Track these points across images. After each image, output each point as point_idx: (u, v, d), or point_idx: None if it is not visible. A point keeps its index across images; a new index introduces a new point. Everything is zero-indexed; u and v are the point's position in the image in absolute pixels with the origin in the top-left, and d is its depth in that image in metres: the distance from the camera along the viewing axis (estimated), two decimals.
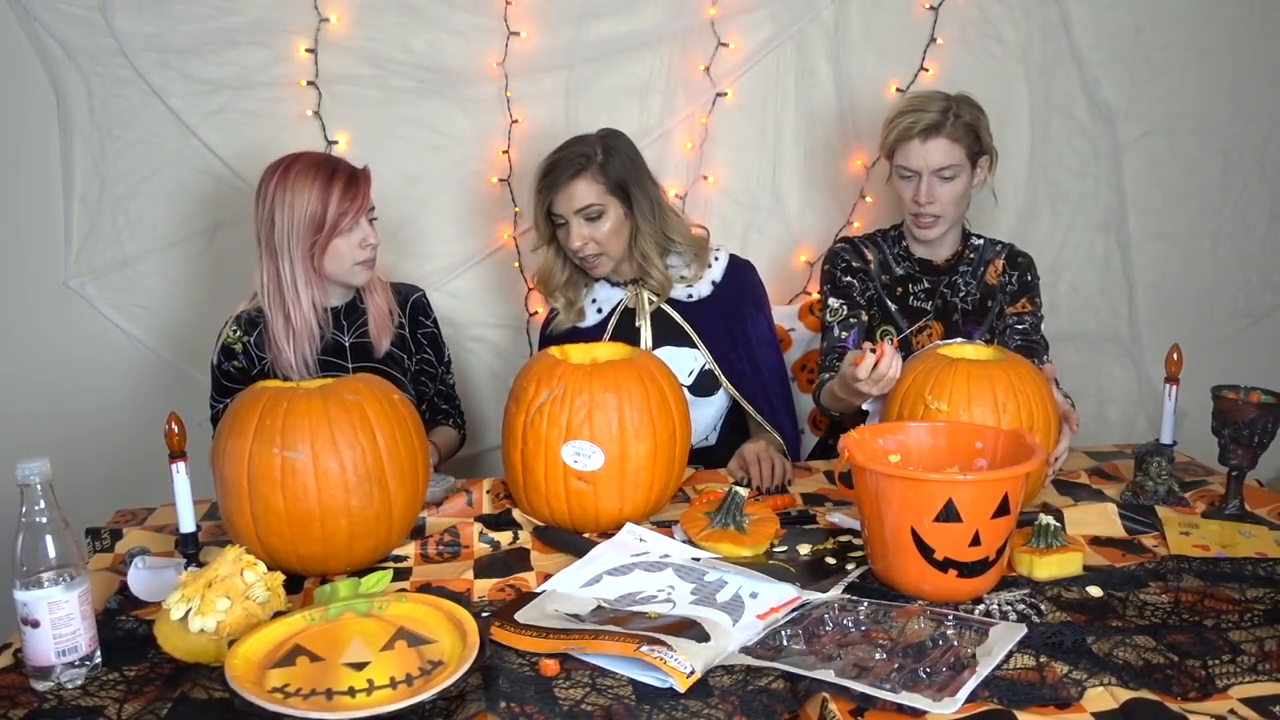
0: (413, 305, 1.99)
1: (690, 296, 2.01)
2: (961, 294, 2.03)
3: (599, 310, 2.04)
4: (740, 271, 2.05)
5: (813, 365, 2.39)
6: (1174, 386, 1.65)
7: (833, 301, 2.07)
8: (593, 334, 2.01)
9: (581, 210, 1.89)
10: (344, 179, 1.80)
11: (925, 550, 1.25)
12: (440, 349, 2.04)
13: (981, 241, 2.05)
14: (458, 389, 2.09)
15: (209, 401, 1.92)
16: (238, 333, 1.90)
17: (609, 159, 1.90)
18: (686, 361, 1.98)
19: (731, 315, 2.01)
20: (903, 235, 2.06)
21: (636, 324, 2.00)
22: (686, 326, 1.99)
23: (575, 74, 2.29)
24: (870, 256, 2.06)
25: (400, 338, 1.96)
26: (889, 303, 2.05)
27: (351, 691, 1.04)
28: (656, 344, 1.99)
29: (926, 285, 2.04)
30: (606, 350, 1.70)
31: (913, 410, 1.54)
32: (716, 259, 2.04)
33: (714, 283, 2.02)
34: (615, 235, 1.92)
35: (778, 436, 1.98)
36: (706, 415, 2.03)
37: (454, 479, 1.72)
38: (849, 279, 2.05)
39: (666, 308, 2.01)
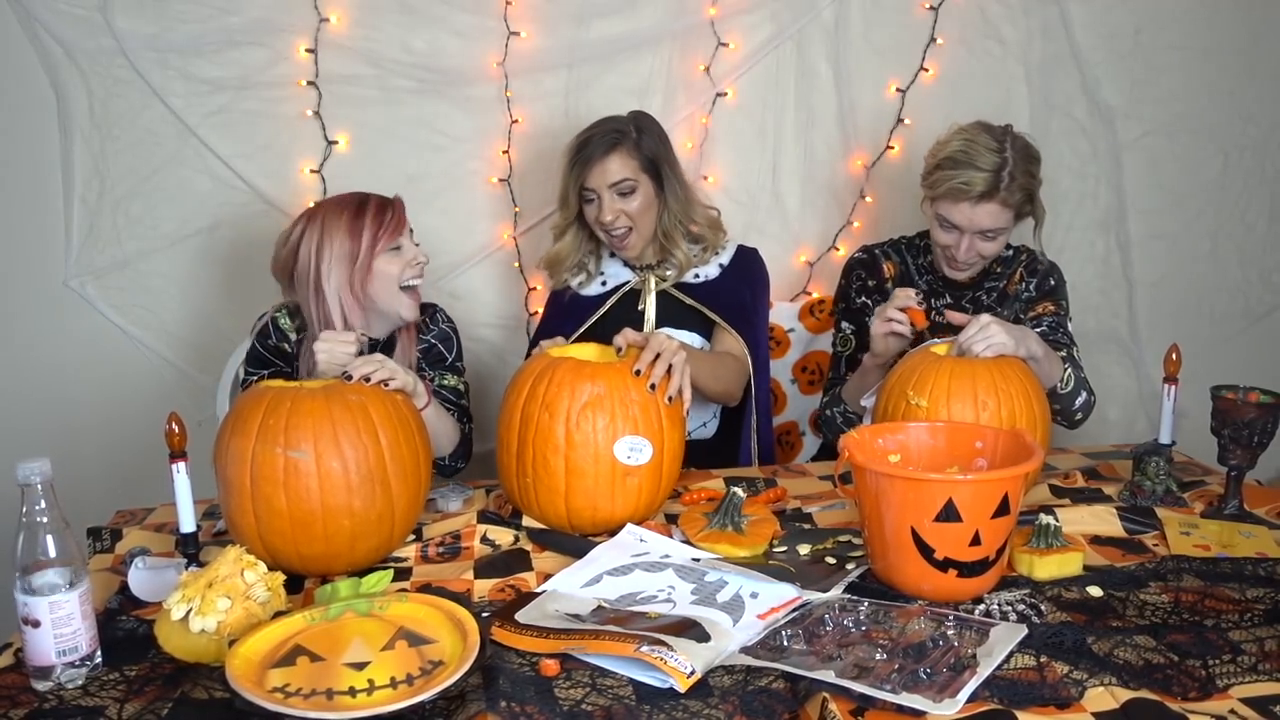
0: (429, 352, 1.90)
1: (697, 277, 2.02)
2: (984, 305, 1.97)
3: (603, 284, 2.05)
4: (748, 257, 2.07)
5: (813, 366, 2.39)
6: (1173, 386, 1.65)
7: (844, 326, 2.05)
8: (593, 304, 2.02)
9: (615, 185, 1.92)
10: (374, 207, 1.79)
11: (925, 550, 1.25)
12: (443, 358, 1.92)
13: (1011, 252, 1.98)
14: (469, 407, 1.96)
15: (242, 369, 1.88)
16: (285, 315, 1.86)
17: (642, 136, 1.94)
18: (688, 342, 1.97)
19: (740, 292, 2.02)
20: (929, 247, 1.99)
21: (640, 306, 2.01)
22: (697, 305, 1.99)
23: (575, 74, 2.29)
24: (890, 271, 2.02)
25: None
26: None
27: (352, 691, 1.04)
28: (658, 325, 1.99)
29: (949, 300, 1.99)
30: (586, 351, 1.67)
31: (895, 406, 1.56)
32: (725, 246, 2.06)
33: (721, 265, 2.04)
34: (646, 212, 1.96)
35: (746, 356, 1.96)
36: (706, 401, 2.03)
37: (471, 491, 1.72)
38: (863, 299, 2.02)
39: (674, 290, 2.01)
